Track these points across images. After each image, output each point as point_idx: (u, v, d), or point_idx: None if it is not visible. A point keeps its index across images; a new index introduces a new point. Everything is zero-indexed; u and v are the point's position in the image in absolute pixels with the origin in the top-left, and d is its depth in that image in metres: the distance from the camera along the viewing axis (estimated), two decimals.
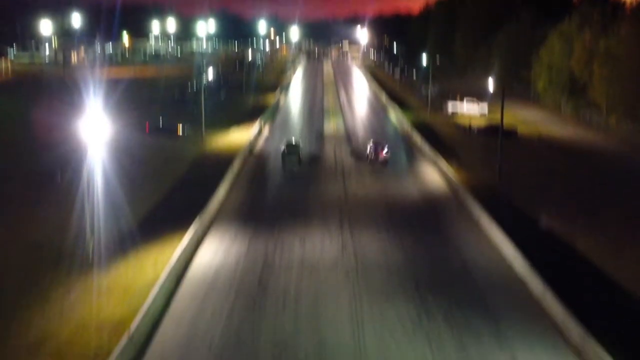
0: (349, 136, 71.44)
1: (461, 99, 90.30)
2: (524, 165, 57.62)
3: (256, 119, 77.16)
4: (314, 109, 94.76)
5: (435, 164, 56.58)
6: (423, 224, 40.80)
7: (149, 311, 26.48)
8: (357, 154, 60.08)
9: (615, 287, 31.24)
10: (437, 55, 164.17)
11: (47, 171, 49.50)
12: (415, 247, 36.27)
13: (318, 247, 35.89)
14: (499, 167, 51.57)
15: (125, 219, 39.01)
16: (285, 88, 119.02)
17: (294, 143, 58.45)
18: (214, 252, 34.94)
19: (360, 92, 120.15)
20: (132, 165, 51.33)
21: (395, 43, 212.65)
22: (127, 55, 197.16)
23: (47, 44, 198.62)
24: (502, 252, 35.11)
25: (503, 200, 45.71)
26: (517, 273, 32.30)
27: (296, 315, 27.71)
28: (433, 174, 53.90)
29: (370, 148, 57.03)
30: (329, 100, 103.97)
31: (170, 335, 25.85)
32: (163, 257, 33.16)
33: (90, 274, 31.37)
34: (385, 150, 55.98)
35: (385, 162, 55.39)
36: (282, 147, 56.93)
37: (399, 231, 38.77)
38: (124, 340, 23.77)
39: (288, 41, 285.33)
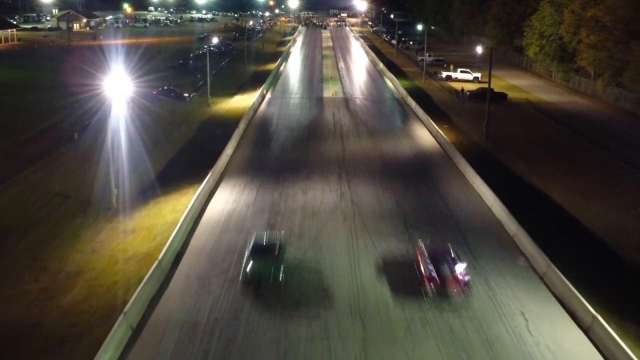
0: (347, 101, 74.82)
1: (455, 69, 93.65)
2: (511, 126, 61.35)
3: (257, 85, 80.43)
4: (314, 75, 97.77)
5: (427, 125, 60.13)
6: (414, 175, 44.61)
7: (171, 246, 30.35)
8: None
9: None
10: (435, 24, 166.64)
11: (71, 129, 53.55)
12: (406, 194, 40.19)
13: (319, 195, 39.75)
14: (486, 127, 55.48)
15: (145, 172, 42.94)
16: (285, 56, 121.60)
17: (272, 243, 29.42)
18: (225, 200, 38.70)
19: (358, 60, 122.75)
20: (147, 125, 55.07)
21: (393, 12, 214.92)
22: (128, 23, 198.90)
23: (48, 17, 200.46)
24: (483, 198, 39.37)
25: (487, 156, 49.92)
26: (495, 214, 36.58)
27: (300, 248, 31.65)
28: (425, 134, 57.49)
29: (428, 266, 27.86)
30: (327, 68, 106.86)
31: (191, 265, 29.79)
32: (180, 205, 37.10)
33: (115, 219, 35.31)
34: (463, 268, 27.70)
35: (465, 289, 27.43)
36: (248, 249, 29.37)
37: (392, 182, 42.64)
38: (153, 266, 27.71)
39: (287, 11, 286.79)
